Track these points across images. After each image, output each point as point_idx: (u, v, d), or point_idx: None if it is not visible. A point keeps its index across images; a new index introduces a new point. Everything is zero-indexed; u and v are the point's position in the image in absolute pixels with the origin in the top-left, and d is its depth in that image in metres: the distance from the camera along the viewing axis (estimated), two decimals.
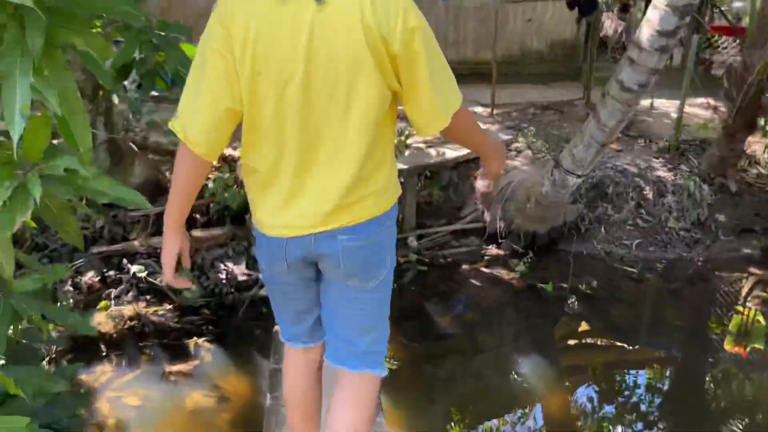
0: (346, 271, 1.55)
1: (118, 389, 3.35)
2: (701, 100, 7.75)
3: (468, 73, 8.96)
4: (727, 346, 4.33)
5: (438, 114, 1.44)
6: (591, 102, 7.63)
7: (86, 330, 1.76)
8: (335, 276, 1.59)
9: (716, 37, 9.30)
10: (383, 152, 1.51)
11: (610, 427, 3.58)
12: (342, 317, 1.65)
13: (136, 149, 5.08)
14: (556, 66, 8.97)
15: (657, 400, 3.88)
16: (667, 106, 7.60)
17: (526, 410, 3.67)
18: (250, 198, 1.61)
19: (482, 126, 6.09)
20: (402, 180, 5.33)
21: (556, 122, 7.08)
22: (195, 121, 1.41)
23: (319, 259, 1.57)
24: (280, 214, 1.52)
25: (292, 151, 1.44)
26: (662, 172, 5.94)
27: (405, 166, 5.19)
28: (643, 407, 3.78)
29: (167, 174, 5.38)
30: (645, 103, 7.47)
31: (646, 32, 3.72)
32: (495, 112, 7.29)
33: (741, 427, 3.61)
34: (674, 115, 7.08)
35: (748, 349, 4.31)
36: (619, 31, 9.14)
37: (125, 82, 2.50)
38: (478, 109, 7.53)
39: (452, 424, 3.46)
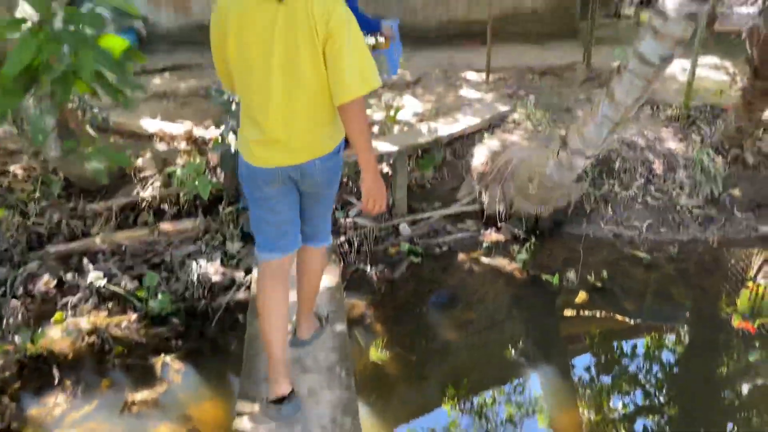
0: (322, 182, 2.27)
1: (72, 425, 2.92)
2: (710, 59, 7.27)
3: (458, 33, 8.39)
4: (735, 322, 4.05)
5: (346, 84, 1.96)
6: (592, 65, 7.11)
7: None
8: (312, 188, 2.29)
9: None
10: (333, 112, 2.12)
11: (611, 403, 3.44)
12: (315, 212, 2.42)
13: (93, 133, 4.54)
14: (552, 25, 8.39)
15: (658, 375, 3.71)
16: (672, 66, 7.06)
17: (528, 410, 3.44)
18: (243, 136, 2.22)
19: (477, 95, 5.45)
20: (391, 162, 4.84)
21: (556, 88, 6.57)
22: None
23: (303, 178, 2.23)
24: (272, 151, 2.15)
25: (275, 99, 2.05)
26: (672, 144, 5.48)
27: (394, 148, 4.69)
28: (642, 380, 3.65)
29: (132, 159, 4.86)
30: None
31: None
32: (489, 78, 6.75)
33: (744, 398, 3.49)
34: (682, 78, 6.59)
35: (756, 324, 4.05)
36: None
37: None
38: (471, 76, 6.99)
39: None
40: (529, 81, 6.84)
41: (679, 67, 6.95)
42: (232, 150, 4.31)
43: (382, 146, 4.69)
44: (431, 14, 8.67)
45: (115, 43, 1.69)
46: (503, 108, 5.80)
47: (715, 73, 6.93)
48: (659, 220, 5.05)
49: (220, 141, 4.38)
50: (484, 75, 6.94)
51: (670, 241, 4.88)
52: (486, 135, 5.39)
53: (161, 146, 4.97)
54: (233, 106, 4.29)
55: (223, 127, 4.40)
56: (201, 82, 6.20)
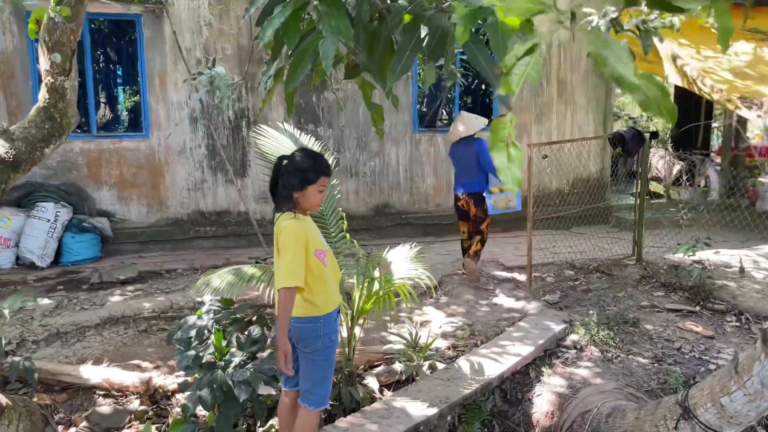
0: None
1: None
2: None
3: None
4: None
5: (278, 281, 2.71)
6: (643, 259, 6.02)
7: None
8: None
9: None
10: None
11: None
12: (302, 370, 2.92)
13: (3, 401, 3.16)
14: (581, 207, 7.45)
15: None
16: (744, 261, 5.93)
17: None
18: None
19: (516, 303, 5.16)
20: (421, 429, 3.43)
21: (609, 291, 5.37)
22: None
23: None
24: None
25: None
26: None
27: (432, 410, 3.31)
28: None
29: (59, 429, 3.44)
30: (720, 259, 5.82)
31: None
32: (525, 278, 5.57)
33: None
34: (760, 276, 5.48)
35: None
36: (676, 169, 7.76)
37: None
38: (502, 273, 5.84)
39: None
40: (573, 281, 5.67)
41: (753, 263, 5.89)
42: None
43: (414, 409, 3.32)
44: (444, 199, 7.75)
45: None
46: (555, 326, 4.52)
47: None
48: None
49: (181, 416, 2.98)
50: (515, 274, 5.81)
51: None
52: (545, 369, 4.07)
53: (105, 406, 3.56)
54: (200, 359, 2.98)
55: (187, 395, 3.02)
56: (170, 298, 4.93)
